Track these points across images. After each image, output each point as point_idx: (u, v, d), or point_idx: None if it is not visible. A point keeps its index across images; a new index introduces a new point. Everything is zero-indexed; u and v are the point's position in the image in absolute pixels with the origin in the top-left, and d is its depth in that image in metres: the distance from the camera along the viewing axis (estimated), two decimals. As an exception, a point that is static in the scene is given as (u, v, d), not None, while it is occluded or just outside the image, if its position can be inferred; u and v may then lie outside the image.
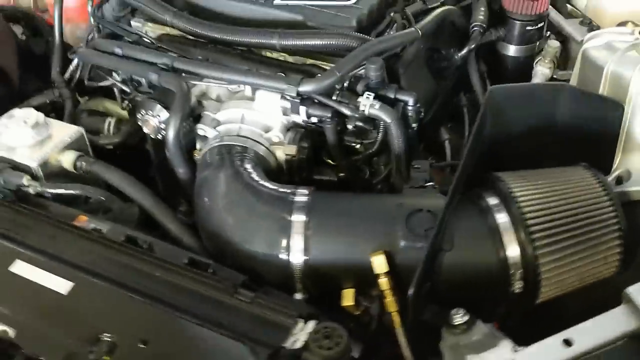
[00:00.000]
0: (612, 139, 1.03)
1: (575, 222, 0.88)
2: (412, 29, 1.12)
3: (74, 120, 1.23)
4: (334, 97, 1.06)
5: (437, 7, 1.20)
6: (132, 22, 1.28)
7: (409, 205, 0.92)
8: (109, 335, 0.80)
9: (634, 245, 0.91)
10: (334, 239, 0.92)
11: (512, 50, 1.30)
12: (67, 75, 1.34)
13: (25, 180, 1.04)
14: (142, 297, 0.86)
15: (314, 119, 1.08)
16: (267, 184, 0.99)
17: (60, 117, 1.27)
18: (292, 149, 1.08)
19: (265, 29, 1.12)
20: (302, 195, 0.95)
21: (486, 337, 0.81)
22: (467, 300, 0.86)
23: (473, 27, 1.22)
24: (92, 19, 1.27)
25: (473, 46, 1.21)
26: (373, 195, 1.06)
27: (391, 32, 1.17)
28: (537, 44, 1.29)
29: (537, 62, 1.25)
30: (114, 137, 1.22)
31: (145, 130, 1.13)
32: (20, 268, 0.90)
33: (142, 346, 0.79)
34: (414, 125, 1.08)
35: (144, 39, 1.18)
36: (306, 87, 1.03)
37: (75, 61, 1.35)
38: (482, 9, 1.25)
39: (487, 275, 0.90)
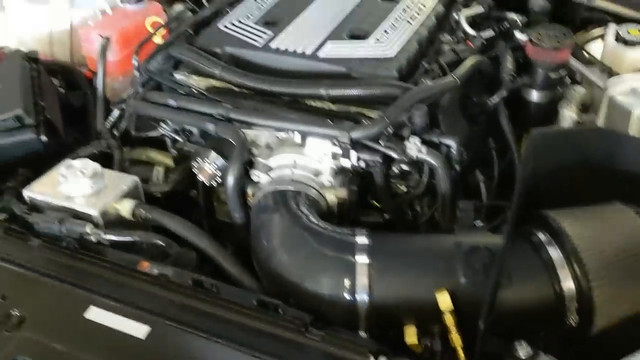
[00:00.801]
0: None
1: (625, 255, 0.94)
2: (451, 78, 1.19)
3: (123, 169, 1.27)
4: (381, 142, 1.12)
5: (469, 57, 1.28)
6: (176, 75, 1.34)
7: (466, 243, 0.97)
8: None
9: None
10: (397, 278, 0.97)
11: (535, 96, 1.38)
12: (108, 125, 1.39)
13: (89, 228, 1.07)
14: (218, 339, 0.89)
15: (362, 163, 1.14)
16: (326, 225, 1.03)
17: (105, 167, 1.31)
18: (343, 192, 1.13)
19: (312, 80, 1.19)
20: (362, 236, 1.00)
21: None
22: (523, 332, 0.91)
23: (503, 75, 1.30)
24: (137, 72, 1.33)
25: (505, 93, 1.28)
26: (429, 235, 1.11)
27: (426, 81, 1.25)
28: (559, 89, 1.37)
29: (563, 107, 1.33)
30: (164, 185, 1.26)
31: (201, 177, 1.17)
32: (95, 314, 0.93)
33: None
34: (457, 167, 1.14)
35: (195, 91, 1.24)
36: (358, 133, 1.09)
37: (116, 112, 1.40)
38: (510, 58, 1.33)
39: (543, 309, 0.95)
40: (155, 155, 1.37)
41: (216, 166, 1.16)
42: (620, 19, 1.50)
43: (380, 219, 1.18)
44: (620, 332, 0.99)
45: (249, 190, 1.18)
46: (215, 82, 1.30)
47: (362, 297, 0.95)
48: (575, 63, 1.37)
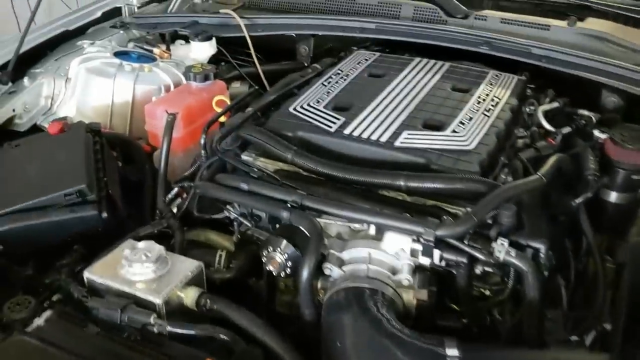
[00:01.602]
0: None
1: None
2: (537, 175, 1.14)
3: (184, 253, 1.21)
4: (465, 241, 1.05)
5: (552, 154, 1.23)
6: (243, 156, 1.30)
7: (565, 361, 0.89)
8: None
9: None
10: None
11: (614, 197, 1.32)
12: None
13: (152, 319, 1.00)
14: None
15: (443, 262, 1.07)
16: (409, 332, 0.95)
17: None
18: (424, 294, 1.05)
19: (391, 171, 1.14)
20: (452, 349, 0.91)
21: None
22: None
23: (587, 176, 1.24)
24: (204, 152, 1.29)
25: (590, 194, 1.22)
26: (525, 351, 1.01)
27: (508, 177, 1.20)
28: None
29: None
30: (227, 272, 1.19)
31: (270, 267, 1.11)
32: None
33: None
34: (545, 273, 1.07)
35: (267, 175, 1.19)
36: (444, 232, 1.03)
37: (175, 190, 1.36)
38: (592, 157, 1.28)
39: None
40: (215, 237, 1.31)
41: (287, 256, 1.09)
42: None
43: (459, 324, 1.10)
44: None
45: (319, 284, 1.11)
46: (283, 165, 1.26)
47: (453, 414, 0.86)
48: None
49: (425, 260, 1.08)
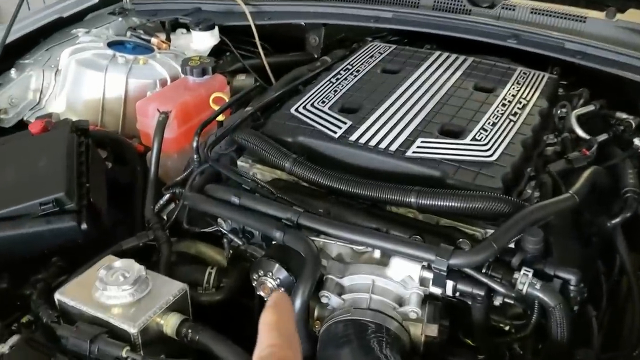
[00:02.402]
0: None
1: None
2: (569, 194, 0.99)
3: (169, 269, 1.09)
4: (484, 270, 0.92)
5: (586, 168, 1.08)
6: (239, 162, 1.18)
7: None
8: None
9: None
10: None
11: (655, 214, 1.17)
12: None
13: (125, 352, 0.89)
14: None
15: (457, 293, 0.94)
16: (415, 378, 0.83)
17: (147, 258, 1.14)
18: (433, 330, 0.92)
19: (401, 186, 1.00)
20: (464, 400, 0.79)
21: None
22: None
23: (626, 193, 1.09)
24: (196, 156, 1.17)
25: (629, 215, 1.07)
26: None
27: (534, 193, 1.06)
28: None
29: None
30: (216, 293, 1.08)
31: (261, 293, 0.99)
32: None
33: None
34: (575, 308, 0.93)
35: (262, 187, 1.06)
36: (459, 260, 0.89)
37: (166, 197, 1.24)
38: (631, 171, 1.13)
39: None
40: (206, 250, 1.20)
41: (279, 282, 0.97)
42: None
43: (473, 361, 0.97)
44: None
45: (315, 312, 0.98)
46: (282, 174, 1.13)
47: None
48: None
49: (436, 290, 0.94)
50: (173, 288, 1.00)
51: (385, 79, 1.33)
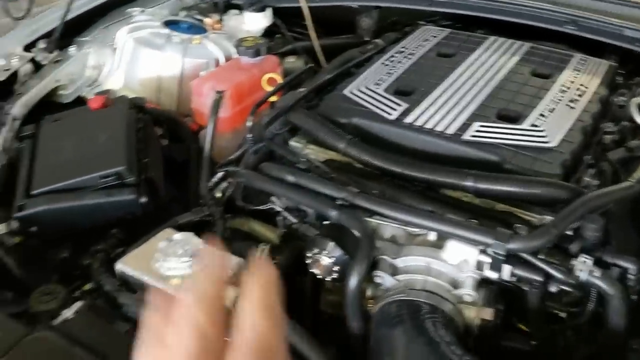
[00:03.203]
0: None
1: None
2: (630, 182, 0.97)
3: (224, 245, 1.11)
4: (541, 256, 0.91)
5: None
6: (292, 142, 1.19)
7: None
8: None
9: None
10: None
11: None
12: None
13: (184, 321, 0.91)
14: None
15: (513, 278, 0.93)
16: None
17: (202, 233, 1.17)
18: (488, 313, 0.92)
19: (458, 169, 1.00)
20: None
21: None
22: None
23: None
24: (250, 136, 1.19)
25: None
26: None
27: (593, 181, 1.04)
28: None
29: None
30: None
31: (315, 270, 1.00)
32: None
33: None
34: (633, 297, 0.92)
35: (316, 166, 1.07)
36: (517, 245, 0.89)
37: (219, 175, 1.26)
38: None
39: None
40: (258, 228, 1.21)
41: (334, 260, 0.98)
42: None
43: (526, 347, 0.96)
44: None
45: (369, 292, 0.99)
46: (335, 155, 1.14)
47: None
48: None
49: (492, 274, 0.94)
50: (230, 262, 1.02)
51: (440, 62, 1.32)
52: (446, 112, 1.14)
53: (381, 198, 1.00)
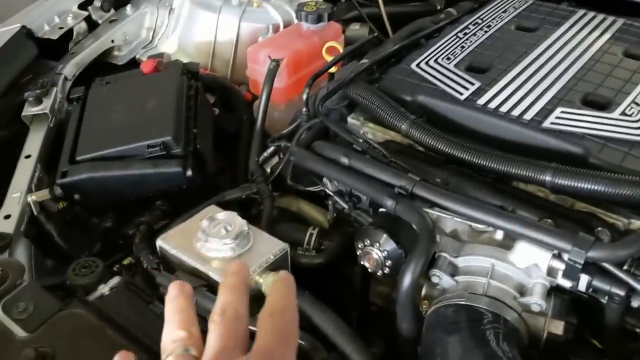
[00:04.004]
0: None
1: None
2: None
3: (270, 226, 1.05)
4: (625, 267, 0.79)
5: None
6: (349, 119, 1.10)
7: None
8: None
9: None
10: None
11: None
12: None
13: (223, 309, 0.85)
14: None
15: (590, 289, 0.82)
16: (535, 381, 0.73)
17: (248, 209, 1.10)
18: (558, 327, 0.82)
19: (535, 161, 0.88)
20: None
21: None
22: None
23: None
24: (305, 109, 1.10)
25: None
26: None
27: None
28: None
29: None
30: (317, 257, 1.02)
31: (365, 263, 0.92)
32: None
33: None
34: None
35: (374, 148, 0.98)
36: (599, 254, 0.77)
37: (270, 150, 1.19)
38: None
39: None
40: (308, 209, 1.14)
41: (386, 254, 0.89)
42: None
43: (598, 364, 0.86)
44: None
45: (423, 291, 0.90)
46: (396, 136, 1.04)
47: None
48: None
49: (566, 283, 0.83)
50: (274, 247, 0.95)
51: (520, 37, 1.19)
52: (524, 94, 1.01)
53: (444, 188, 0.90)
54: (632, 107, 0.98)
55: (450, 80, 1.06)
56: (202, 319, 0.64)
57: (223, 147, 1.30)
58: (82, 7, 1.47)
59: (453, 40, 1.18)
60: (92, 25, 1.46)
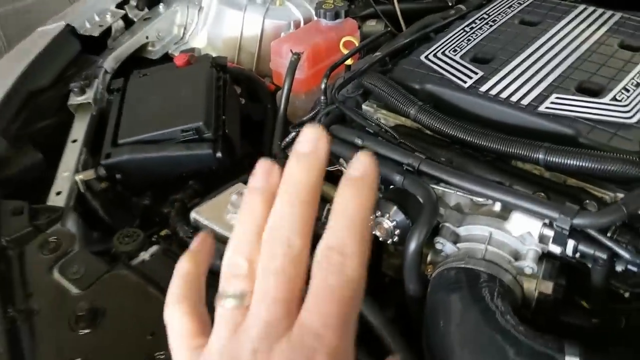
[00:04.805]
0: None
1: None
2: None
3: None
4: (609, 234, 0.89)
5: None
6: (364, 106, 1.20)
7: None
8: None
9: None
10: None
11: None
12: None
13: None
14: None
15: (577, 254, 0.92)
16: (524, 330, 0.83)
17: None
18: (548, 287, 0.91)
19: (530, 141, 0.98)
20: (573, 356, 0.78)
21: None
22: None
23: None
24: (324, 98, 1.21)
25: None
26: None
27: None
28: None
29: None
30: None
31: (377, 232, 1.02)
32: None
33: None
34: None
35: (385, 131, 1.09)
36: (583, 221, 0.87)
37: (293, 134, 1.30)
38: None
39: None
40: (326, 188, 1.22)
41: (396, 223, 1.00)
42: None
43: (586, 324, 0.95)
44: None
45: (429, 257, 1.00)
46: (406, 120, 1.14)
47: None
48: None
49: (555, 249, 0.93)
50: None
51: (522, 30, 1.28)
52: (523, 82, 1.11)
53: (448, 166, 1.00)
54: (622, 93, 1.06)
55: (455, 70, 1.16)
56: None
57: (249, 134, 1.41)
58: (119, 6, 1.60)
59: (460, 34, 1.28)
60: (128, 22, 1.58)
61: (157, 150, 1.20)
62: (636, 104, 1.04)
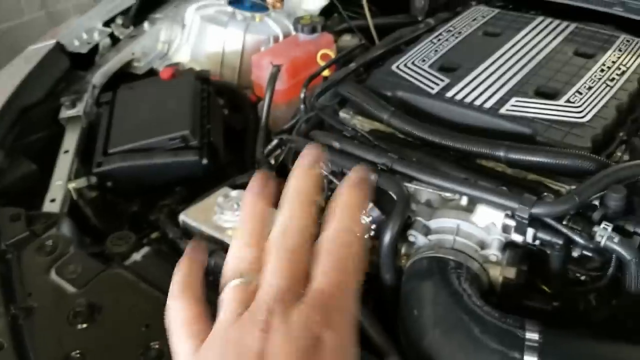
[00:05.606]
0: None
1: None
2: (658, 157, 1.02)
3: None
4: (564, 222, 0.98)
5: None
6: (341, 113, 1.29)
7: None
8: None
9: None
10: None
11: None
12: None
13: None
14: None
15: (537, 241, 1.00)
16: (489, 310, 0.91)
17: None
18: (511, 272, 1.00)
19: (491, 140, 1.07)
20: (533, 332, 0.86)
21: None
22: None
23: None
24: (303, 106, 1.29)
25: None
26: (614, 343, 0.94)
27: (623, 156, 1.09)
28: None
29: None
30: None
31: (354, 228, 1.10)
32: None
33: None
34: (653, 264, 0.97)
35: (360, 135, 1.17)
36: (540, 210, 0.96)
37: (274, 142, 1.38)
38: None
39: None
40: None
41: (372, 218, 1.08)
42: None
43: (547, 306, 1.03)
44: None
45: (402, 250, 1.08)
46: (380, 125, 1.23)
47: (526, 401, 0.82)
48: None
49: (517, 237, 1.01)
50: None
51: (485, 41, 1.38)
52: (486, 87, 1.20)
53: (418, 164, 1.09)
54: (575, 96, 1.16)
55: (424, 78, 1.25)
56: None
57: (232, 142, 1.49)
58: (106, 24, 1.68)
59: (428, 46, 1.38)
60: (114, 40, 1.66)
61: (146, 158, 1.27)
62: (588, 105, 1.13)
